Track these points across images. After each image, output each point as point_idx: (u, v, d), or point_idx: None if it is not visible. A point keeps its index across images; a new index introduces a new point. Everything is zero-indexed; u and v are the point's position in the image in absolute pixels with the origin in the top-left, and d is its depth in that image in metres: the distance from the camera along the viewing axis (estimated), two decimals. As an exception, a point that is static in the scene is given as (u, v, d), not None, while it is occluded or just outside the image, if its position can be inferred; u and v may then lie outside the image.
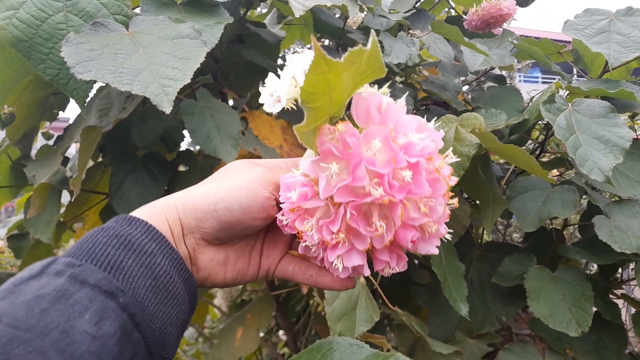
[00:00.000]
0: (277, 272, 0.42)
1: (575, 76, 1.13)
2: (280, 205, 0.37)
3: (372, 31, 0.32)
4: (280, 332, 1.73)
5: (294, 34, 1.68)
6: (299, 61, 0.40)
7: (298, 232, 0.36)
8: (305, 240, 0.35)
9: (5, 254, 1.49)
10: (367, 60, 0.31)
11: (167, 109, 0.54)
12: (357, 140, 0.33)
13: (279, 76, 0.41)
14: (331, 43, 1.42)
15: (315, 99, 0.32)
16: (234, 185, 0.37)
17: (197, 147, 1.07)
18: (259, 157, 0.98)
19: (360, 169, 0.32)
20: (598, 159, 0.82)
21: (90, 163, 1.14)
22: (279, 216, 0.37)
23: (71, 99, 0.64)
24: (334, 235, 0.34)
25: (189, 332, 2.44)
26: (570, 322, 0.90)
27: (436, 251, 0.37)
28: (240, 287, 1.98)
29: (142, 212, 0.36)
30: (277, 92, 0.40)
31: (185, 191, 0.38)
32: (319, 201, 0.35)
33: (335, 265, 0.35)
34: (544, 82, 9.73)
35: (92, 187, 1.11)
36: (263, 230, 0.42)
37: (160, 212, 0.36)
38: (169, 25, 0.66)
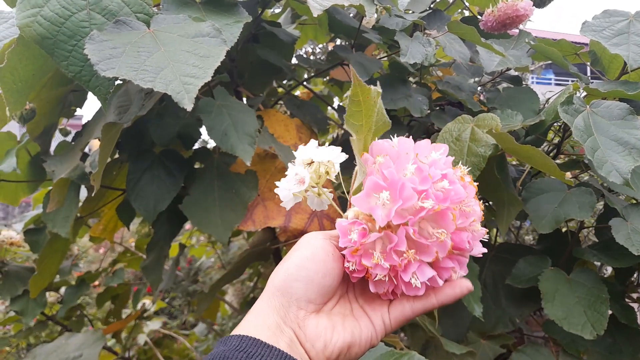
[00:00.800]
0: (394, 319, 0.42)
1: (589, 78, 1.12)
2: (343, 252, 0.40)
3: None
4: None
5: (308, 34, 1.69)
6: (307, 151, 0.47)
7: (366, 272, 0.39)
8: (376, 275, 0.39)
9: (22, 248, 1.52)
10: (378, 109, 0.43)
11: (189, 106, 0.55)
12: (394, 169, 0.39)
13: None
14: (346, 43, 1.42)
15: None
16: (302, 249, 0.41)
17: (213, 145, 1.08)
18: (274, 155, 0.99)
19: (407, 190, 0.37)
20: (616, 161, 0.81)
21: (108, 159, 1.16)
22: (345, 264, 0.40)
23: (89, 96, 0.65)
24: (404, 255, 0.38)
25: (200, 328, 2.47)
26: (586, 325, 0.89)
27: (485, 250, 0.42)
28: (252, 284, 2.00)
29: (254, 324, 0.38)
30: (300, 174, 0.45)
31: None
32: (376, 233, 0.39)
33: (414, 284, 0.39)
34: (557, 84, 9.63)
35: (109, 183, 1.13)
36: (352, 288, 0.44)
37: (265, 317, 0.38)
38: (190, 23, 0.66)
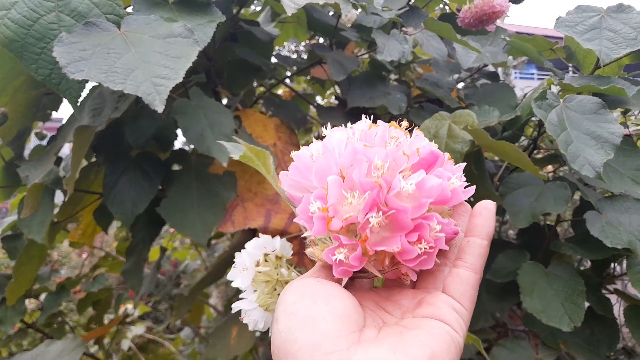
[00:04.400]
0: (460, 294, 0.33)
1: (570, 72, 1.14)
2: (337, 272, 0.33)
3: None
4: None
5: (288, 32, 1.69)
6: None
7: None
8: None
9: (-1, 255, 1.49)
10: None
11: (160, 108, 0.54)
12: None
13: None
14: (325, 41, 1.42)
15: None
16: (286, 296, 0.32)
17: (192, 146, 1.07)
18: (253, 155, 0.98)
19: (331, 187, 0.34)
20: (589, 154, 0.82)
21: (84, 163, 1.14)
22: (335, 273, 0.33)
23: (64, 99, 0.64)
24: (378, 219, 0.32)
25: (185, 332, 2.44)
26: (563, 317, 0.90)
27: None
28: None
29: None
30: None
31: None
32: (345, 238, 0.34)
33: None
34: (539, 79, 9.76)
35: (86, 187, 1.11)
36: (386, 299, 0.35)
37: None
38: (161, 24, 0.66)
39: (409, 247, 0.32)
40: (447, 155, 0.38)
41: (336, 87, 1.49)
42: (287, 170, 0.38)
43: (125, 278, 1.07)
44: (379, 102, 1.04)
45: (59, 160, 0.93)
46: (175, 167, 0.99)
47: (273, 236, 0.89)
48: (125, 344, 1.93)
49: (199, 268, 2.28)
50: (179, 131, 0.98)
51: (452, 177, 0.35)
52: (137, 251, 1.06)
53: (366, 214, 0.32)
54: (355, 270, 0.33)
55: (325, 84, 1.72)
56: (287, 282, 0.43)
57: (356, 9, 1.15)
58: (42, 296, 1.72)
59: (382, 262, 0.34)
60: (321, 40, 1.63)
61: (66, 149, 1.21)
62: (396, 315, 0.33)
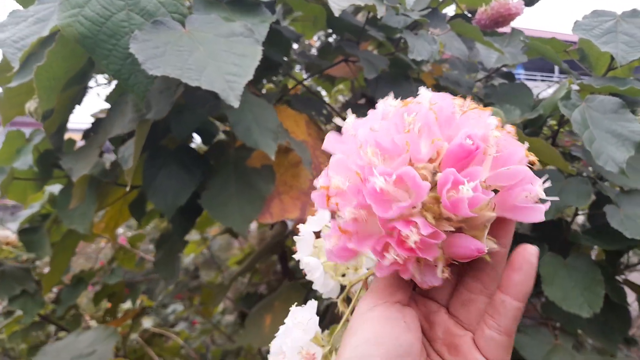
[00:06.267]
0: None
1: (577, 74, 1.19)
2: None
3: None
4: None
5: (296, 30, 1.71)
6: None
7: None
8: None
9: (17, 248, 1.50)
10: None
11: (235, 103, 0.57)
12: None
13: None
14: (337, 39, 1.45)
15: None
16: (360, 330, 0.31)
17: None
18: (287, 149, 1.02)
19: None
20: (612, 152, 0.87)
21: (113, 157, 1.16)
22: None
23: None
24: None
25: (182, 325, 2.46)
26: (583, 305, 0.96)
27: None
28: (246, 280, 2.02)
29: None
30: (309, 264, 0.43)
31: None
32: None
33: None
34: (526, 79, 9.92)
35: (115, 180, 1.13)
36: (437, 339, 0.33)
37: None
38: (222, 23, 0.69)
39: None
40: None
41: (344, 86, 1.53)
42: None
43: (157, 269, 1.10)
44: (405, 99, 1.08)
45: (101, 154, 0.95)
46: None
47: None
48: (133, 337, 1.95)
49: (204, 262, 2.31)
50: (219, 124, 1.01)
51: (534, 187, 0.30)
52: (169, 242, 1.08)
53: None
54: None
55: (335, 82, 1.75)
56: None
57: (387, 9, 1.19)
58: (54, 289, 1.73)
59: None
60: (330, 40, 1.66)
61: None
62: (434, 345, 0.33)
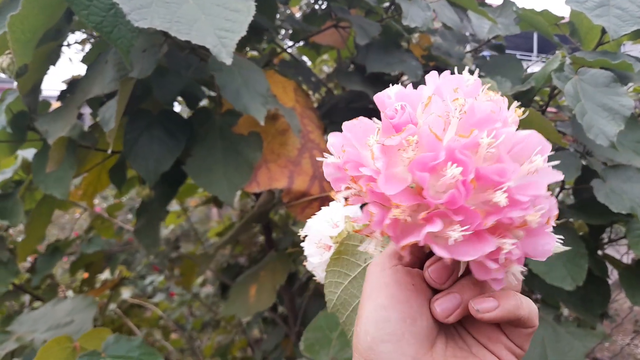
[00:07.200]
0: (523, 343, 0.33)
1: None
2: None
3: None
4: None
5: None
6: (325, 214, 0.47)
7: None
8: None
9: (-11, 215, 1.44)
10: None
11: (228, 60, 0.54)
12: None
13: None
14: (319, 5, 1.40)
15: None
16: (374, 297, 0.32)
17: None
18: (275, 116, 0.99)
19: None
20: (602, 125, 0.87)
21: (93, 121, 1.11)
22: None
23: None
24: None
25: (161, 296, 2.44)
26: (566, 278, 0.97)
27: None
28: (227, 252, 2.00)
29: None
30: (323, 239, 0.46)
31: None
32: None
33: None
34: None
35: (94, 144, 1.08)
36: None
37: None
38: (212, -24, 0.64)
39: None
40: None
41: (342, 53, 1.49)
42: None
43: (137, 238, 1.07)
44: (396, 68, 1.06)
45: (79, 116, 0.90)
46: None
47: (296, 198, 0.91)
48: (111, 308, 1.92)
49: (187, 232, 2.28)
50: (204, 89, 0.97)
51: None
52: (150, 210, 1.05)
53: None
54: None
55: (320, 50, 1.71)
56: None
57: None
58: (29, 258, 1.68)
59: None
60: (324, 5, 1.61)
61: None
62: (465, 324, 0.34)
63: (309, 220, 0.48)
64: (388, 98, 0.32)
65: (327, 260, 0.46)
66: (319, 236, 0.48)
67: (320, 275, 0.48)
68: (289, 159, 0.96)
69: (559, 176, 0.30)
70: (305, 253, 0.49)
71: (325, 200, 0.98)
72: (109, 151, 0.72)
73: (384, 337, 0.30)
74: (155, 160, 0.89)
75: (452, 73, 0.33)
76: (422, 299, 0.32)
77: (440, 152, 0.27)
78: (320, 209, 0.51)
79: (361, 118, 0.32)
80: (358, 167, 0.30)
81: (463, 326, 0.33)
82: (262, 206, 1.00)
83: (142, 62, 0.73)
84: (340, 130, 0.32)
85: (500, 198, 0.26)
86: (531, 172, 0.28)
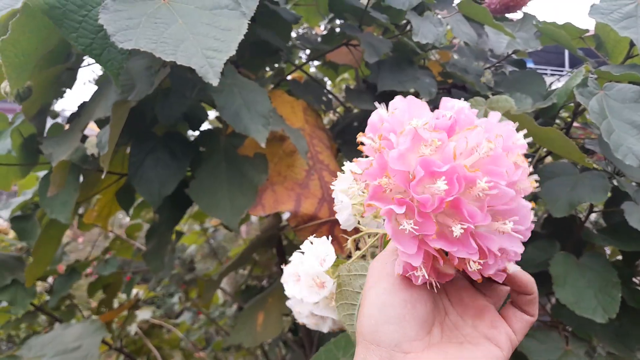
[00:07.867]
0: (519, 329, 0.37)
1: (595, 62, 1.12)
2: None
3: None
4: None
5: (303, 20, 1.64)
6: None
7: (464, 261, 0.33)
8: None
9: (9, 236, 1.46)
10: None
11: (214, 81, 0.52)
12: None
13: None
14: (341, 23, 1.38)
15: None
16: (377, 284, 0.36)
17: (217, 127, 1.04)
18: (282, 137, 0.96)
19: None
20: (631, 144, 0.80)
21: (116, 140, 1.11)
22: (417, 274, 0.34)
23: (79, 76, 0.60)
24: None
25: (185, 316, 2.42)
26: (597, 309, 0.89)
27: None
28: (246, 272, 1.97)
29: None
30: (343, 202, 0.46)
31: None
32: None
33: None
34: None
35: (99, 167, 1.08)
36: (450, 305, 0.38)
37: None
38: (206, -5, 0.63)
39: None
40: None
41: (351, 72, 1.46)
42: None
43: (146, 261, 1.05)
44: (409, 86, 1.02)
45: (83, 138, 0.90)
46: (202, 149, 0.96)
47: (304, 221, 0.87)
48: (133, 329, 1.91)
49: (206, 253, 2.26)
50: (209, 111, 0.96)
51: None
52: (159, 233, 1.03)
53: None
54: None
55: (339, 68, 1.68)
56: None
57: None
58: (49, 279, 1.70)
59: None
60: (337, 22, 1.60)
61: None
62: (457, 311, 0.37)
63: (293, 258, 0.48)
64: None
65: (324, 297, 0.47)
66: (310, 276, 0.46)
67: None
68: (295, 182, 0.93)
69: (519, 249, 0.35)
70: (297, 297, 0.47)
71: (335, 224, 0.94)
72: (102, 175, 0.70)
73: (388, 319, 0.33)
74: (159, 184, 0.87)
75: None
76: (420, 287, 0.35)
77: (445, 165, 0.32)
78: (330, 233, 0.50)
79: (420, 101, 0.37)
80: (391, 130, 0.34)
81: (462, 316, 0.37)
82: (267, 230, 0.97)
83: (138, 85, 0.71)
84: (355, 152, 0.40)
85: (457, 231, 0.30)
86: (500, 231, 0.33)
